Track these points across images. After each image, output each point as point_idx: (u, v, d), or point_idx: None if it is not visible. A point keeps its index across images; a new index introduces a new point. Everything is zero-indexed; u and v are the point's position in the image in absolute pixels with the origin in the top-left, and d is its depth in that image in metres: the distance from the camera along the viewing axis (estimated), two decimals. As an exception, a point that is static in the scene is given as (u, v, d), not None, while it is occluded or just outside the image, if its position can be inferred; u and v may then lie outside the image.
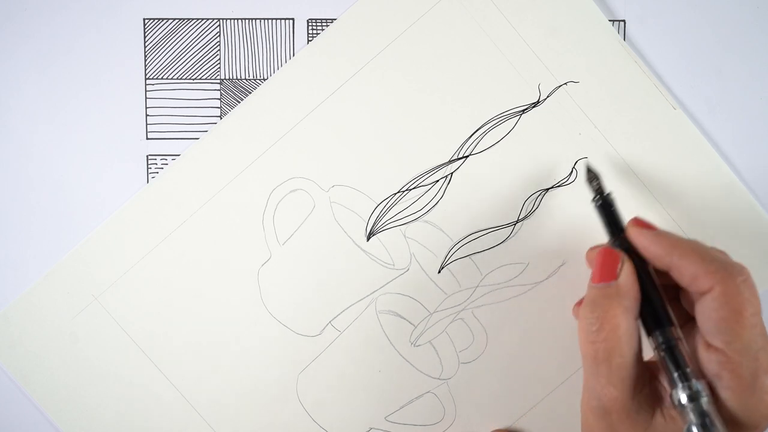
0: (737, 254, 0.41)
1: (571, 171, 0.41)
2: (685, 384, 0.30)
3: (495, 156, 0.41)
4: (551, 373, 0.42)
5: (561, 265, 0.41)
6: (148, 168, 0.42)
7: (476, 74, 0.41)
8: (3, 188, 0.42)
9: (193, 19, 0.42)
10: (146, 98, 0.42)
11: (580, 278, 0.41)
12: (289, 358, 0.42)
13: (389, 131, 0.41)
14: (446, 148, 0.41)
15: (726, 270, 0.31)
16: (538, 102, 0.41)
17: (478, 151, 0.41)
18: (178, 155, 0.42)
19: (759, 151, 0.42)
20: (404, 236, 0.42)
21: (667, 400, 0.32)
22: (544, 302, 0.41)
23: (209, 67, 0.42)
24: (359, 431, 0.42)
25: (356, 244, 0.42)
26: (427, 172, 0.42)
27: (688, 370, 0.30)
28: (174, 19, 0.42)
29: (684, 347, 0.32)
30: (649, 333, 0.33)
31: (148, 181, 0.42)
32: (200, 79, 0.42)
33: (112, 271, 0.41)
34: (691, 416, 0.29)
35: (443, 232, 0.42)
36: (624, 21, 0.42)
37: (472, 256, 0.42)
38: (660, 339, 0.32)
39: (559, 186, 0.41)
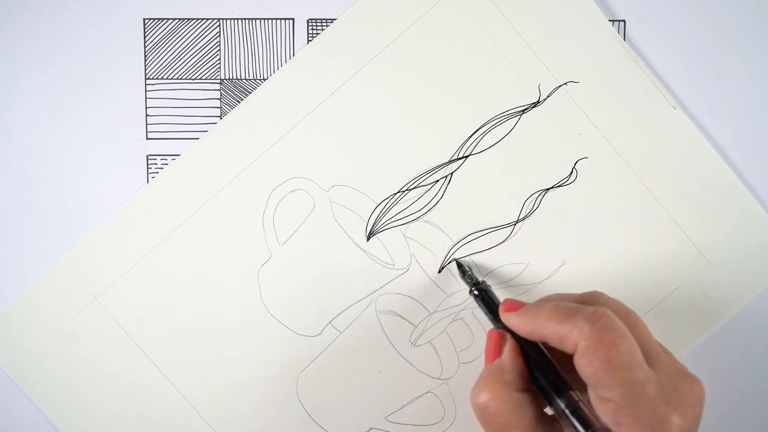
0: (737, 254, 0.41)
1: (571, 171, 0.41)
2: None
3: (495, 156, 0.41)
4: (551, 373, 0.42)
5: (561, 265, 0.41)
6: (148, 168, 0.42)
7: (476, 74, 0.41)
8: (3, 188, 0.42)
9: (193, 19, 0.42)
10: (146, 98, 0.42)
11: (580, 278, 0.41)
12: (289, 358, 0.42)
13: (389, 131, 0.41)
14: (446, 148, 0.41)
15: (581, 324, 0.31)
16: (538, 102, 0.41)
17: (478, 151, 0.41)
18: (178, 155, 0.42)
19: (759, 151, 0.42)
20: (404, 236, 0.42)
21: None
22: (544, 302, 0.41)
23: (209, 67, 0.42)
24: (359, 431, 0.42)
25: (356, 244, 0.42)
26: (427, 172, 0.42)
27: (595, 427, 0.31)
28: (174, 19, 0.42)
29: (586, 406, 0.32)
30: (550, 402, 0.33)
31: (148, 181, 0.42)
32: (200, 79, 0.42)
33: (112, 271, 0.41)
34: None
35: (443, 232, 0.42)
36: (624, 21, 0.42)
37: (472, 256, 0.42)
38: (561, 405, 0.32)
39: (559, 186, 0.41)
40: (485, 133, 0.41)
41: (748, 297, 0.42)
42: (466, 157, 0.41)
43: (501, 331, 0.35)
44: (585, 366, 0.30)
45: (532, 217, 0.41)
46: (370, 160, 0.41)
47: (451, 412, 0.42)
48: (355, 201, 0.42)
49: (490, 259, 0.42)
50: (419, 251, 0.42)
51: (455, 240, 0.42)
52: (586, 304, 0.33)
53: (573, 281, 0.41)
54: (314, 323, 0.42)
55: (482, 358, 0.42)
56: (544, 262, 0.41)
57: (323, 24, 0.42)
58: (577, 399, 0.32)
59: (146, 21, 0.42)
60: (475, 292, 0.38)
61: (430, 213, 0.42)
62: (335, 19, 0.41)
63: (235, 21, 0.42)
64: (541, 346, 0.34)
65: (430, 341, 0.42)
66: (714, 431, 0.41)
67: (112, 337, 0.42)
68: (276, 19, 0.42)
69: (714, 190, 0.41)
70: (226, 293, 0.42)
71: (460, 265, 0.41)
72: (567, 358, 0.32)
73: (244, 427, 0.42)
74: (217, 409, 0.42)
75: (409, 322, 0.42)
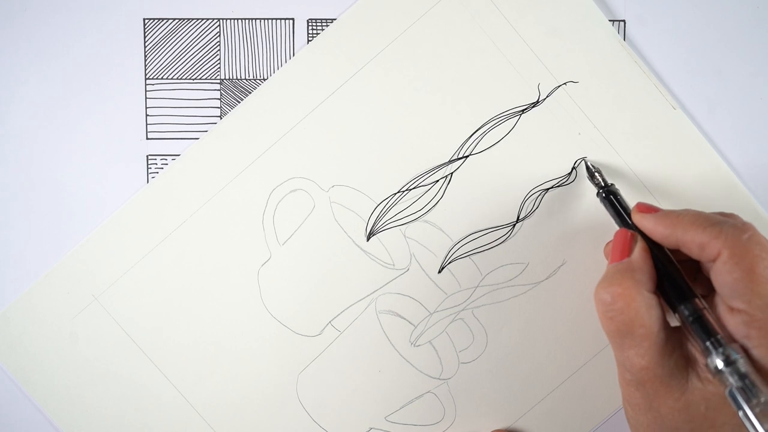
0: (737, 254, 0.41)
1: (571, 171, 0.41)
2: (719, 350, 0.30)
3: (495, 156, 0.41)
4: (551, 373, 0.42)
5: (561, 265, 0.41)
6: (148, 168, 0.42)
7: (476, 74, 0.41)
8: (3, 188, 0.42)
9: (193, 19, 0.42)
10: (146, 98, 0.42)
11: (580, 278, 0.41)
12: (289, 358, 0.42)
13: (389, 131, 0.41)
14: (446, 148, 0.41)
15: (729, 232, 0.31)
16: (537, 102, 0.41)
17: (478, 151, 0.41)
18: (178, 155, 0.42)
19: (759, 151, 0.42)
20: (404, 236, 0.42)
21: (701, 362, 0.32)
22: (544, 302, 0.41)
23: (209, 67, 0.42)
24: (359, 431, 0.42)
25: (356, 244, 0.42)
26: (427, 172, 0.42)
27: (719, 336, 0.30)
28: (174, 19, 0.42)
29: (711, 315, 0.32)
30: (674, 309, 0.33)
31: (148, 181, 0.42)
32: (200, 79, 0.42)
33: (112, 271, 0.41)
34: (731, 380, 0.29)
35: (443, 232, 0.42)
36: (624, 21, 0.42)
37: (472, 256, 0.42)
38: (686, 312, 0.32)
39: (559, 186, 0.41)
40: (485, 133, 0.41)
41: (748, 297, 0.42)
42: (466, 157, 0.41)
43: (632, 231, 0.35)
44: (726, 273, 0.30)
45: (532, 217, 0.41)
46: (370, 160, 0.41)
47: (451, 412, 0.42)
48: (355, 201, 0.42)
49: (490, 259, 0.42)
50: (419, 251, 0.42)
51: (455, 240, 0.42)
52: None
53: (573, 281, 0.41)
54: (314, 323, 0.42)
55: (482, 358, 0.42)
56: (544, 262, 0.41)
57: (323, 24, 0.42)
58: (702, 306, 0.32)
59: (146, 21, 0.42)
60: (604, 194, 0.38)
61: (430, 213, 0.42)
62: (335, 19, 0.41)
63: (235, 21, 0.42)
64: (669, 253, 0.34)
65: (430, 341, 0.42)
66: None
67: (112, 337, 0.42)
68: (276, 19, 0.42)
69: (714, 190, 0.41)
70: (226, 293, 0.42)
71: (589, 167, 0.40)
72: (685, 267, 0.33)
73: (244, 426, 0.42)
74: (217, 409, 0.42)
75: (409, 322, 0.42)
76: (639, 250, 0.34)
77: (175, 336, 0.42)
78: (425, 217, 0.42)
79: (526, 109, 0.41)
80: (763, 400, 0.29)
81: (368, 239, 0.42)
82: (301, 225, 0.42)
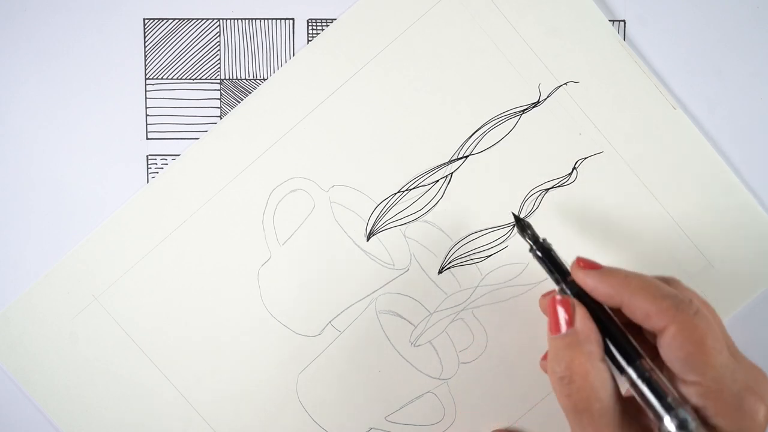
0: (737, 254, 0.41)
1: (571, 171, 0.41)
2: (672, 413, 0.30)
3: (495, 156, 0.41)
4: (551, 373, 0.42)
5: (561, 265, 0.41)
6: (148, 168, 0.42)
7: (476, 74, 0.41)
8: (3, 188, 0.42)
9: (193, 19, 0.42)
10: (146, 98, 0.42)
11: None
12: (289, 358, 0.42)
13: (389, 131, 0.41)
14: (446, 148, 0.41)
15: (677, 307, 0.31)
16: (538, 102, 0.41)
17: (478, 151, 0.41)
18: (178, 155, 0.42)
19: (759, 151, 0.42)
20: (404, 236, 0.42)
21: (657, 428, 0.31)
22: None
23: (209, 67, 0.42)
24: (359, 431, 0.42)
25: (356, 244, 0.42)
26: (427, 172, 0.42)
27: (670, 399, 0.30)
28: (174, 19, 0.42)
29: (660, 377, 0.31)
30: (621, 371, 0.32)
31: (148, 181, 0.42)
32: (200, 79, 0.42)
33: (112, 271, 0.41)
34: None
35: (443, 232, 0.42)
36: (624, 21, 0.42)
37: (472, 256, 0.42)
38: (634, 374, 0.31)
39: (559, 186, 0.41)
40: (485, 133, 0.41)
41: (748, 297, 0.42)
42: (466, 157, 0.41)
43: (567, 297, 0.33)
44: (676, 349, 0.30)
45: (532, 217, 0.41)
46: (370, 160, 0.41)
47: (451, 412, 0.42)
48: (355, 201, 0.42)
49: (490, 259, 0.42)
50: (419, 251, 0.42)
51: (455, 240, 0.42)
52: (667, 285, 0.32)
53: (573, 281, 0.41)
54: (314, 323, 0.42)
55: (482, 358, 0.42)
56: (544, 262, 0.41)
57: (323, 24, 0.42)
58: (650, 367, 0.31)
59: (146, 21, 0.42)
60: (539, 252, 0.35)
61: (430, 213, 0.42)
62: (335, 19, 0.41)
63: (235, 21, 0.42)
64: (610, 313, 0.33)
65: (430, 341, 0.42)
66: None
67: (112, 337, 0.42)
68: (276, 19, 0.42)
69: (714, 190, 0.41)
70: (226, 293, 0.42)
71: (519, 221, 0.37)
72: (630, 329, 0.32)
73: (244, 426, 0.42)
74: (217, 409, 0.42)
75: (409, 322, 0.42)
76: (581, 318, 0.32)
77: (175, 336, 0.42)
78: (425, 217, 0.42)
79: (526, 109, 0.41)
80: None
81: (368, 239, 0.42)
82: (301, 225, 0.42)
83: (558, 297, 0.33)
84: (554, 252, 0.35)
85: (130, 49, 0.42)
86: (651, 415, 0.31)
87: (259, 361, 0.42)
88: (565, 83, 0.41)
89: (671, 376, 0.31)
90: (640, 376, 0.31)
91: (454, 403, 0.42)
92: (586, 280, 0.33)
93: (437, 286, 0.42)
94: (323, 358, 0.42)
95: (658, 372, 0.31)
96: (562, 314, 0.33)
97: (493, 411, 0.42)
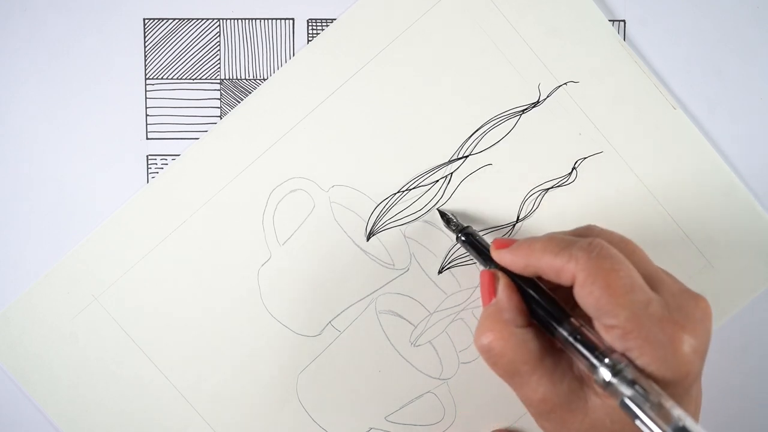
0: (737, 254, 0.41)
1: (571, 171, 0.41)
2: (603, 362, 0.30)
3: (495, 156, 0.41)
4: (551, 373, 0.42)
5: (561, 265, 0.41)
6: (148, 168, 0.42)
7: (476, 74, 0.41)
8: (3, 188, 0.42)
9: (193, 19, 0.42)
10: (146, 98, 0.42)
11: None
12: (289, 358, 0.42)
13: (389, 131, 0.41)
14: (446, 148, 0.41)
15: (578, 254, 0.31)
16: (538, 102, 0.41)
17: (478, 151, 0.41)
18: (178, 155, 0.42)
19: (759, 151, 0.42)
20: (404, 236, 0.42)
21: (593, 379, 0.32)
22: (544, 302, 0.41)
23: (209, 67, 0.42)
24: (359, 431, 0.42)
25: (356, 244, 0.42)
26: (427, 172, 0.42)
27: (601, 349, 0.30)
28: (174, 19, 0.42)
29: (589, 331, 0.31)
30: (552, 334, 0.32)
31: (148, 181, 0.42)
32: (200, 79, 0.42)
33: (112, 271, 0.41)
34: (621, 390, 0.29)
35: (443, 232, 0.42)
36: (624, 21, 0.42)
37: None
38: (564, 334, 0.32)
39: (559, 186, 0.41)
40: (485, 133, 0.41)
41: (748, 297, 0.42)
42: (466, 157, 0.41)
43: (492, 270, 0.35)
44: (586, 296, 0.30)
45: (532, 217, 0.41)
46: (370, 160, 0.41)
47: (451, 412, 0.42)
48: (355, 201, 0.42)
49: (490, 259, 0.42)
50: (419, 251, 0.42)
51: (455, 240, 0.42)
52: (581, 237, 0.33)
53: (573, 281, 0.41)
54: (314, 323, 0.42)
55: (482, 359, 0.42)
56: (544, 262, 0.41)
57: (323, 24, 0.42)
58: (579, 325, 0.32)
59: (146, 21, 0.42)
60: (462, 238, 0.38)
61: (430, 213, 0.42)
62: (335, 19, 0.41)
63: (235, 21, 0.42)
64: (536, 280, 0.34)
65: (430, 341, 0.42)
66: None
67: (112, 337, 0.42)
68: (276, 19, 0.42)
69: (714, 190, 0.41)
70: (226, 293, 0.42)
71: (443, 214, 0.40)
72: (565, 293, 0.32)
73: (244, 426, 0.42)
74: (217, 409, 0.42)
75: (409, 322, 0.42)
76: (502, 288, 0.34)
77: (175, 336, 0.42)
78: (425, 217, 0.42)
79: (526, 109, 0.41)
80: (655, 402, 0.28)
81: (368, 239, 0.42)
82: (301, 225, 0.42)
83: (483, 269, 0.35)
84: (478, 237, 0.38)
85: (130, 49, 0.42)
86: (587, 370, 0.31)
87: (259, 361, 0.42)
88: (565, 83, 0.41)
89: (597, 330, 0.31)
90: (570, 334, 0.31)
91: (454, 403, 0.42)
92: (501, 258, 0.34)
93: (437, 286, 0.42)
94: (323, 358, 0.42)
95: (587, 327, 0.31)
96: (486, 287, 0.34)
97: (493, 411, 0.42)
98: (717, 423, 0.42)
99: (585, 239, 0.32)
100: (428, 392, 0.42)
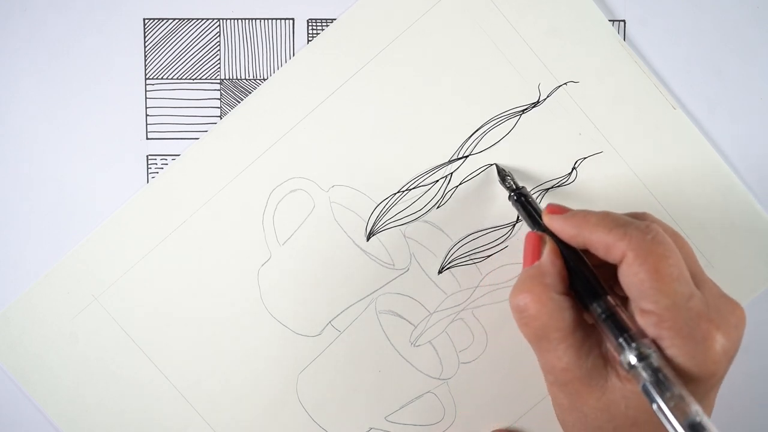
0: (737, 254, 0.41)
1: (571, 171, 0.41)
2: (632, 345, 0.30)
3: (495, 156, 0.41)
4: (551, 373, 0.42)
5: (561, 265, 0.41)
6: (148, 168, 0.42)
7: (476, 74, 0.41)
8: (3, 188, 0.42)
9: (193, 19, 0.42)
10: (146, 98, 0.42)
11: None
12: (289, 358, 0.42)
13: (389, 131, 0.41)
14: (446, 148, 0.41)
15: (633, 234, 0.31)
16: (538, 102, 0.41)
17: (478, 151, 0.41)
18: (178, 155, 0.42)
19: (759, 151, 0.42)
20: (404, 236, 0.42)
21: (618, 360, 0.31)
22: (544, 302, 0.41)
23: (209, 67, 0.42)
24: (359, 431, 0.42)
25: (356, 244, 0.42)
26: (427, 172, 0.42)
27: (632, 332, 0.30)
28: (174, 19, 0.42)
29: (623, 312, 0.31)
30: (587, 308, 0.32)
31: (148, 181, 0.42)
32: (200, 79, 0.42)
33: (112, 271, 0.41)
34: (644, 375, 0.29)
35: (443, 232, 0.42)
36: (624, 21, 0.42)
37: (472, 256, 0.42)
38: (598, 310, 0.32)
39: (559, 186, 0.41)
40: (485, 133, 0.41)
41: (748, 297, 0.42)
42: (466, 157, 0.41)
43: (540, 233, 0.35)
44: (631, 275, 0.30)
45: (532, 217, 0.41)
46: (370, 160, 0.41)
47: (451, 412, 0.42)
48: (355, 201, 0.42)
49: (490, 259, 0.42)
50: (419, 251, 0.42)
51: (455, 240, 0.42)
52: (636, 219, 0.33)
53: (573, 281, 0.41)
54: (314, 323, 0.42)
55: (482, 358, 0.42)
56: (544, 262, 0.41)
57: (323, 24, 0.42)
58: (614, 304, 0.32)
59: (146, 21, 0.42)
60: (515, 197, 0.38)
61: (430, 213, 0.42)
62: (335, 19, 0.41)
63: (235, 21, 0.42)
64: (580, 253, 0.34)
65: (430, 341, 0.42)
66: None
67: (112, 337, 0.42)
68: (276, 19, 0.42)
69: (714, 190, 0.41)
70: (226, 293, 0.42)
71: (500, 171, 0.40)
72: (604, 273, 0.32)
73: (244, 426, 0.42)
74: (217, 409, 0.42)
75: (409, 322, 0.42)
76: (548, 252, 0.34)
77: (175, 336, 0.42)
78: (425, 217, 0.42)
79: (526, 109, 0.41)
80: (676, 393, 0.28)
81: (368, 239, 0.42)
82: (301, 225, 0.42)
83: (530, 231, 0.35)
84: (531, 199, 0.38)
85: (130, 49, 0.42)
86: (614, 350, 0.31)
87: (259, 361, 0.42)
88: (565, 83, 0.41)
89: (632, 312, 0.31)
90: (604, 311, 0.31)
91: (454, 403, 0.42)
92: (552, 223, 0.34)
93: (437, 286, 0.42)
94: (323, 358, 0.42)
95: (622, 308, 0.32)
96: (531, 249, 0.34)
97: (493, 411, 0.42)
98: (717, 423, 0.42)
99: (642, 221, 0.32)
100: (428, 392, 0.42)
